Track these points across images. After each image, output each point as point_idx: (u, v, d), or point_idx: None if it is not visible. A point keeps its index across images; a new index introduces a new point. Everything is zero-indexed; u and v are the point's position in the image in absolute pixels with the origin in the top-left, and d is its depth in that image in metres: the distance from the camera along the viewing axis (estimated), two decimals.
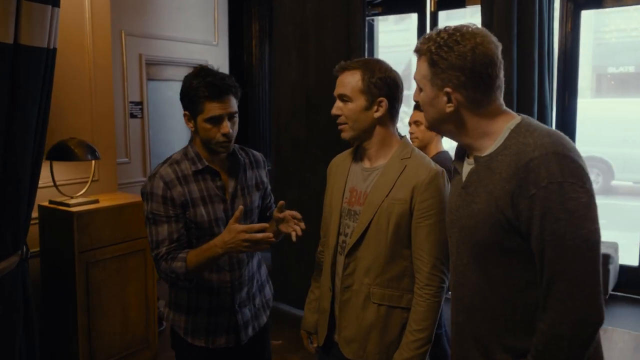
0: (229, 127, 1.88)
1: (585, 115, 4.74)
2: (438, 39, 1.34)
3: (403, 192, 1.72)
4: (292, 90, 4.18)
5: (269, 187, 2.21)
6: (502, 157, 1.29)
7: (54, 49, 2.26)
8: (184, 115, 1.94)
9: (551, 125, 3.89)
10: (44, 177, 3.20)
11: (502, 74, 1.35)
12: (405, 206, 1.71)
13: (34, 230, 3.22)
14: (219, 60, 5.67)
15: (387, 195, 1.73)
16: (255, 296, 2.11)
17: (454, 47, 1.30)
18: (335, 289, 1.85)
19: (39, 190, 3.28)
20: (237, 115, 1.94)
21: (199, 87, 1.85)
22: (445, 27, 1.37)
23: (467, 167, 1.43)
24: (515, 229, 1.27)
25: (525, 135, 1.28)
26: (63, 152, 3.05)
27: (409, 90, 1.65)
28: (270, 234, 1.75)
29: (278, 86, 4.33)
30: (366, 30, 5.25)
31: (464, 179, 1.43)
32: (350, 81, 1.75)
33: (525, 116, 1.37)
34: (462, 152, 1.49)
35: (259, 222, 2.08)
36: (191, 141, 2.00)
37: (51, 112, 3.31)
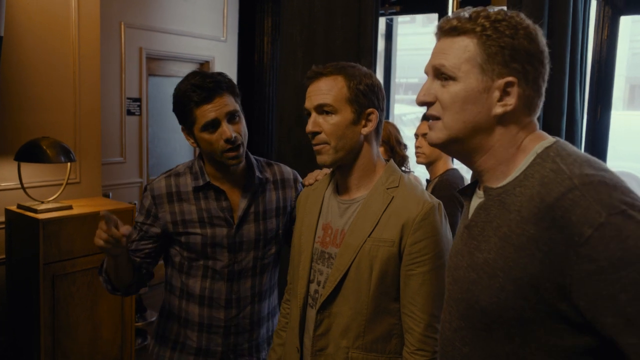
0: (230, 130, 1.58)
1: (616, 129, 4.35)
2: (493, 15, 0.97)
3: (390, 232, 1.36)
4: (297, 93, 3.85)
5: None
6: (521, 189, 0.94)
7: (0, 38, 1.95)
8: (183, 130, 1.68)
9: (580, 142, 3.49)
10: (12, 178, 2.94)
11: None
12: (393, 249, 1.36)
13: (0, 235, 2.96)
14: (227, 57, 5.36)
15: (369, 235, 1.37)
16: (261, 349, 1.77)
17: (517, 26, 0.96)
18: (304, 351, 1.49)
19: (6, 192, 3.03)
20: (239, 114, 1.62)
21: (185, 92, 1.58)
22: (482, 8, 1.00)
23: (475, 202, 1.07)
24: (550, 300, 0.87)
25: (554, 161, 0.92)
26: (33, 153, 2.76)
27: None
28: (111, 215, 1.44)
29: (282, 89, 4.02)
30: (382, 30, 4.93)
31: (469, 216, 1.07)
32: (332, 87, 1.39)
33: (559, 139, 1.00)
34: (472, 185, 1.12)
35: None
36: (200, 154, 1.73)
37: (26, 108, 3.08)
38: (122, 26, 4.43)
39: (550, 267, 0.86)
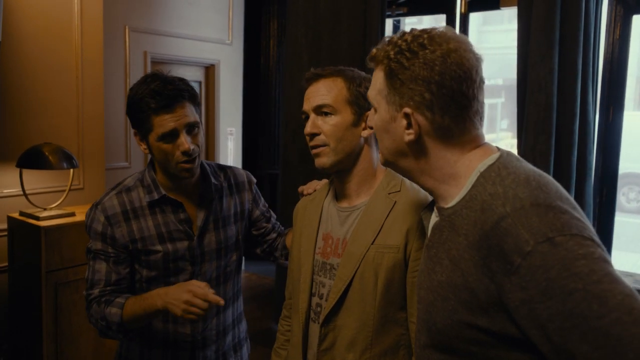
0: (189, 143, 1.49)
1: (629, 130, 4.26)
2: (400, 42, 1.02)
3: (394, 237, 1.30)
4: (302, 96, 3.81)
5: (262, 207, 1.82)
6: (467, 211, 0.95)
7: None
8: (135, 134, 1.56)
9: (593, 143, 3.40)
10: (15, 185, 2.90)
11: (482, 96, 1.02)
12: (398, 255, 1.30)
13: (1, 243, 2.93)
14: (232, 60, 5.32)
15: (373, 242, 1.31)
16: (228, 357, 1.73)
17: (418, 53, 0.98)
18: None
19: (9, 199, 3.00)
20: (199, 125, 1.54)
21: (143, 97, 1.47)
22: (412, 29, 1.04)
23: (432, 220, 1.11)
24: (501, 324, 0.88)
25: (494, 182, 0.93)
26: (34, 159, 2.72)
27: None
28: (219, 299, 1.38)
29: (288, 92, 3.98)
30: (390, 31, 4.87)
31: (428, 235, 1.11)
32: (332, 89, 1.34)
33: (506, 152, 1.01)
34: (432, 204, 1.14)
35: (245, 255, 1.76)
36: (150, 164, 1.62)
37: (29, 114, 3.05)
38: (127, 30, 4.40)
39: (495, 292, 0.87)
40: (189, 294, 1.37)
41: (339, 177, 1.41)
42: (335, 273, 1.36)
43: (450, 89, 0.97)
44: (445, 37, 0.99)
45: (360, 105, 1.34)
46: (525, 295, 0.82)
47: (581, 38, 3.21)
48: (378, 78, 1.06)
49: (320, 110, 1.35)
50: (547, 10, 3.09)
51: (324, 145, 1.35)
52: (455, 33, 1.01)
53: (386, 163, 1.11)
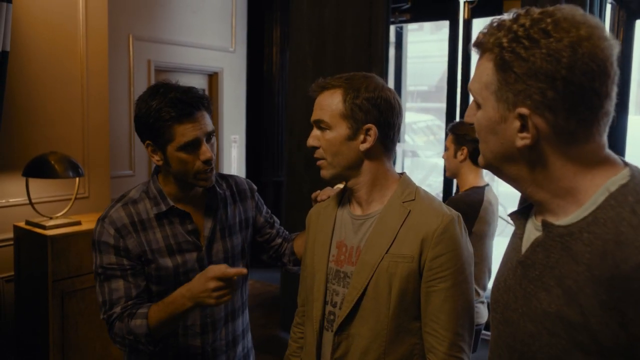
0: (210, 151, 1.49)
1: (632, 133, 4.24)
2: (515, 26, 0.83)
3: (408, 247, 1.29)
4: (307, 104, 3.79)
5: (265, 214, 1.81)
6: (589, 236, 0.80)
7: (5, 52, 1.91)
8: (147, 146, 1.52)
9: None
10: (21, 194, 2.90)
11: (614, 92, 0.84)
12: (413, 265, 1.29)
13: (8, 253, 2.92)
14: (236, 68, 5.33)
15: (387, 251, 1.30)
16: None
17: (540, 41, 0.80)
18: None
19: (15, 208, 3.00)
20: (214, 134, 1.55)
21: (162, 108, 1.44)
22: (527, 9, 0.85)
23: (530, 232, 0.93)
24: None
25: (634, 210, 0.77)
26: (40, 168, 2.72)
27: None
28: (241, 270, 1.38)
29: (292, 99, 3.98)
30: (393, 38, 4.88)
31: (523, 249, 0.93)
32: (329, 104, 1.33)
33: (636, 169, 0.85)
34: (527, 208, 0.99)
35: (258, 261, 1.75)
36: (154, 175, 1.60)
37: (34, 123, 3.06)
38: (131, 39, 4.41)
39: (624, 341, 0.75)
40: (212, 281, 1.35)
41: (348, 185, 1.41)
42: (349, 281, 1.35)
43: (580, 87, 0.79)
44: (574, 21, 0.80)
45: (356, 119, 1.31)
46: None
47: None
48: (485, 69, 0.87)
49: (318, 125, 1.36)
50: None
51: (323, 158, 1.36)
52: (585, 16, 0.82)
53: (488, 167, 0.94)
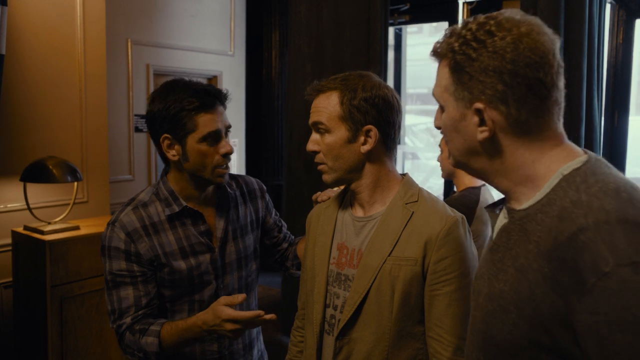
0: (230, 144, 1.50)
1: (633, 134, 4.23)
2: (464, 32, 0.91)
3: (412, 249, 1.27)
4: (306, 107, 3.77)
5: (274, 216, 1.80)
6: (542, 216, 0.86)
7: (1, 56, 1.90)
8: (163, 140, 1.48)
9: (599, 148, 3.38)
10: (19, 199, 2.88)
11: (561, 82, 0.91)
12: (416, 268, 1.26)
13: (6, 258, 2.91)
14: (235, 72, 5.33)
15: (389, 254, 1.28)
16: None
17: (486, 41, 0.88)
18: None
19: (13, 213, 2.98)
20: (230, 131, 1.56)
21: (185, 98, 1.43)
22: (475, 16, 0.93)
23: (501, 220, 1.00)
24: (564, 345, 0.80)
25: (578, 188, 0.83)
26: (39, 173, 2.70)
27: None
28: (273, 316, 1.35)
29: (291, 103, 3.97)
30: (392, 40, 4.87)
31: (493, 236, 1.01)
32: (326, 106, 1.30)
33: (594, 156, 0.90)
34: (501, 202, 1.05)
35: (261, 265, 1.73)
36: (163, 176, 1.57)
37: (32, 127, 3.04)
38: (129, 43, 4.40)
39: (562, 310, 0.79)
40: (229, 324, 1.34)
41: (349, 186, 1.38)
42: (350, 284, 1.33)
43: (525, 77, 0.87)
44: (515, 20, 0.89)
45: (355, 120, 1.29)
46: (595, 321, 0.74)
47: (585, 43, 3.20)
48: (443, 74, 0.96)
49: (317, 128, 1.33)
50: (550, 16, 3.09)
51: (324, 163, 1.33)
52: (524, 15, 0.91)
53: (457, 164, 1.01)
